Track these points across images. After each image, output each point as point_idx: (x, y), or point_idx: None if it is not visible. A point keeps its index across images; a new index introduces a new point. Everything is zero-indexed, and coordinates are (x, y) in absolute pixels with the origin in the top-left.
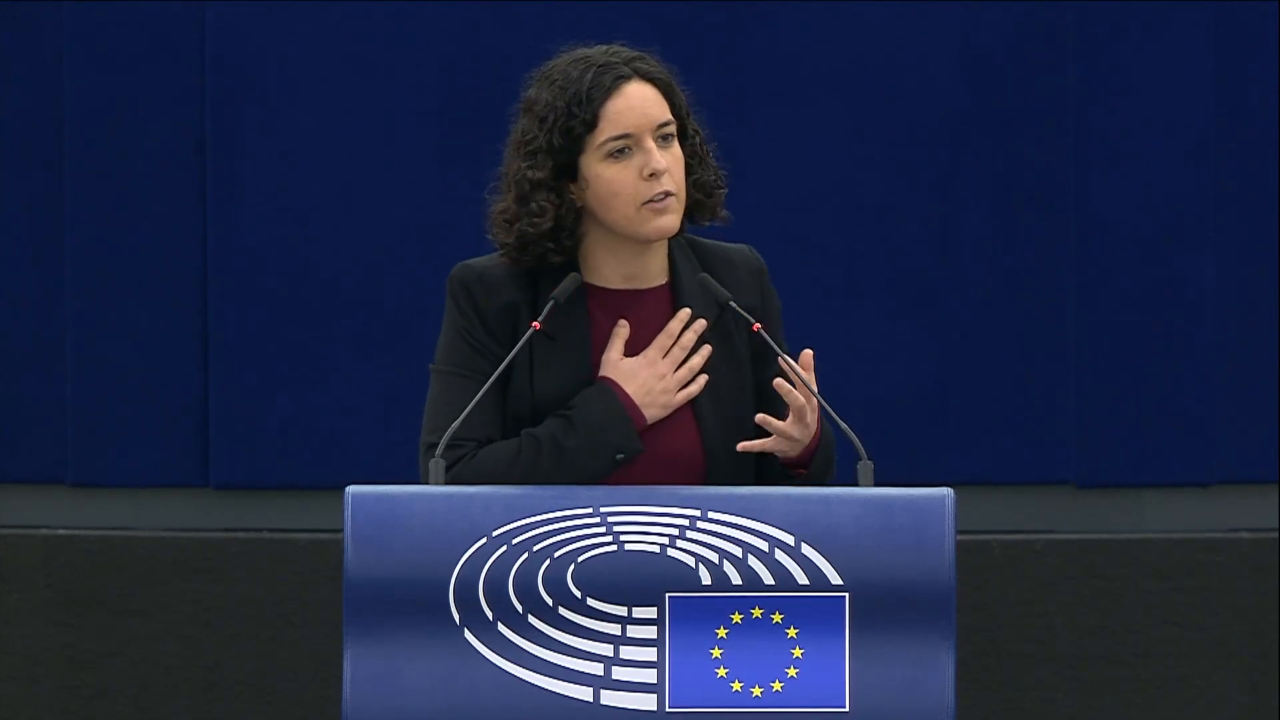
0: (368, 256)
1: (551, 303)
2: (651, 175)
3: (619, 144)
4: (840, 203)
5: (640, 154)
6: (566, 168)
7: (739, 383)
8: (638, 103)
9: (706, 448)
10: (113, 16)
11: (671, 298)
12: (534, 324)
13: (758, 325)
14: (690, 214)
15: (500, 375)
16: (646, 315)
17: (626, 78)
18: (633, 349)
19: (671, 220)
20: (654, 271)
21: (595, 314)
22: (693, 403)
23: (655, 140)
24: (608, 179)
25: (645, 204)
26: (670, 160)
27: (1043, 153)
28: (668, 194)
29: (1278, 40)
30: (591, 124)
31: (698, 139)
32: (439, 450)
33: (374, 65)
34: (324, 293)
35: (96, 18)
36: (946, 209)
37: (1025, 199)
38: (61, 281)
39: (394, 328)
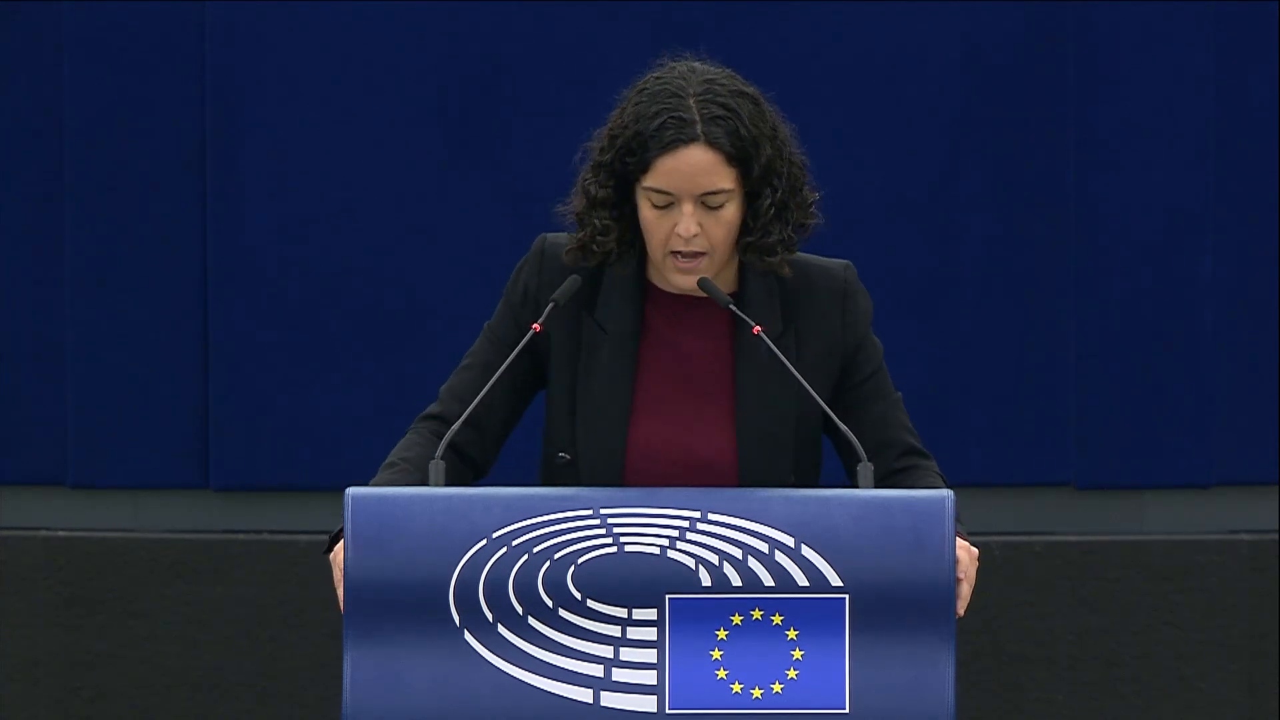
0: (368, 257)
1: (551, 304)
2: (678, 236)
3: (659, 198)
4: (840, 202)
5: (676, 213)
6: (628, 185)
7: (789, 396)
8: (687, 169)
9: (741, 456)
10: (113, 16)
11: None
12: (534, 326)
13: (758, 329)
14: (743, 262)
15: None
16: (705, 323)
17: (688, 141)
18: (687, 356)
19: (692, 280)
20: (720, 282)
21: (650, 315)
22: (734, 411)
23: (697, 205)
24: (645, 218)
25: (670, 254)
26: (710, 223)
27: (1043, 153)
28: (695, 254)
29: (1278, 40)
30: (643, 168)
31: (768, 202)
32: (439, 453)
33: (374, 65)
34: (324, 293)
35: (96, 18)
36: (946, 209)
37: (1025, 199)
38: (61, 282)
39: (394, 328)
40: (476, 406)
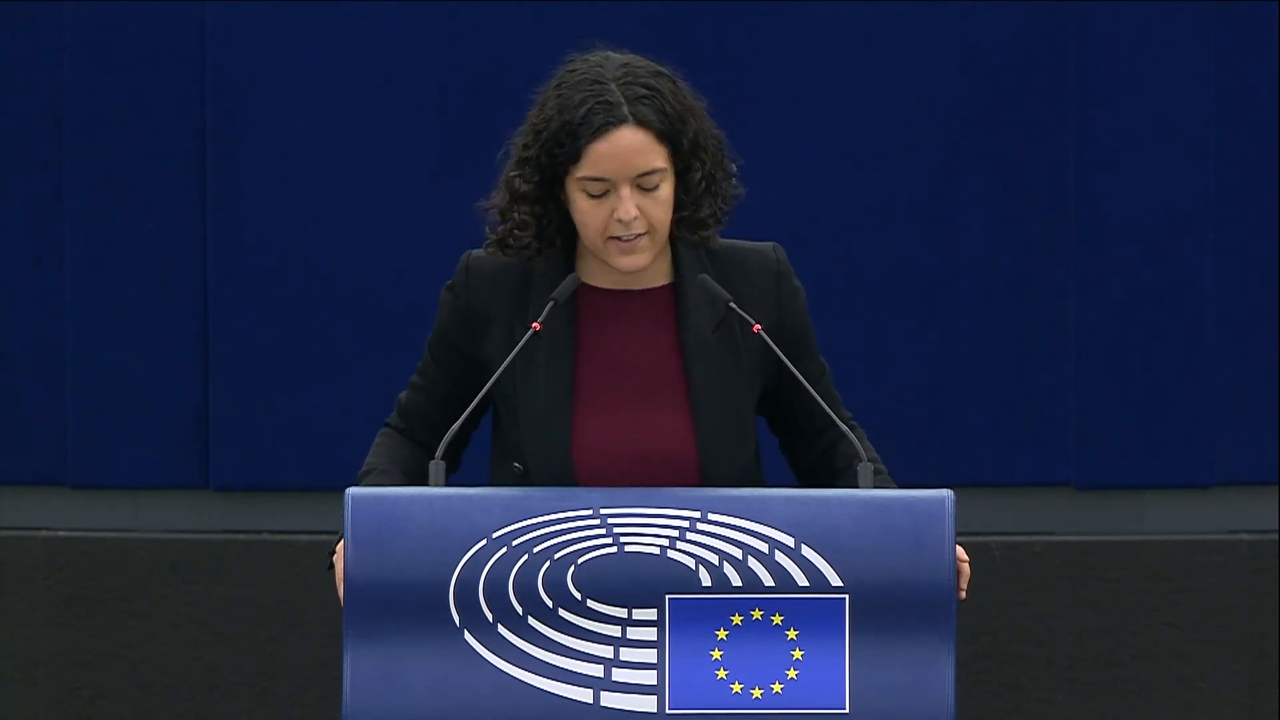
0: (368, 257)
1: (551, 303)
2: (619, 221)
3: (595, 186)
4: (840, 203)
5: (613, 198)
6: (555, 180)
7: (740, 384)
8: (621, 152)
9: (700, 447)
10: (113, 16)
11: (674, 299)
12: (534, 325)
13: (758, 326)
14: (675, 237)
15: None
16: (643, 316)
17: (618, 123)
18: (627, 350)
19: (638, 259)
20: (654, 273)
21: (584, 314)
22: (689, 401)
23: (634, 187)
24: (580, 209)
25: (611, 239)
26: (648, 204)
27: (1043, 153)
28: (636, 235)
29: (1278, 40)
30: (574, 158)
31: (698, 175)
32: (439, 453)
33: (374, 65)
34: (324, 293)
35: (96, 18)
36: (946, 209)
37: (1025, 199)
38: (61, 282)
39: (394, 328)
40: (432, 424)
